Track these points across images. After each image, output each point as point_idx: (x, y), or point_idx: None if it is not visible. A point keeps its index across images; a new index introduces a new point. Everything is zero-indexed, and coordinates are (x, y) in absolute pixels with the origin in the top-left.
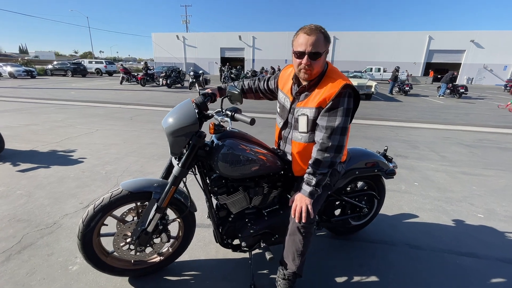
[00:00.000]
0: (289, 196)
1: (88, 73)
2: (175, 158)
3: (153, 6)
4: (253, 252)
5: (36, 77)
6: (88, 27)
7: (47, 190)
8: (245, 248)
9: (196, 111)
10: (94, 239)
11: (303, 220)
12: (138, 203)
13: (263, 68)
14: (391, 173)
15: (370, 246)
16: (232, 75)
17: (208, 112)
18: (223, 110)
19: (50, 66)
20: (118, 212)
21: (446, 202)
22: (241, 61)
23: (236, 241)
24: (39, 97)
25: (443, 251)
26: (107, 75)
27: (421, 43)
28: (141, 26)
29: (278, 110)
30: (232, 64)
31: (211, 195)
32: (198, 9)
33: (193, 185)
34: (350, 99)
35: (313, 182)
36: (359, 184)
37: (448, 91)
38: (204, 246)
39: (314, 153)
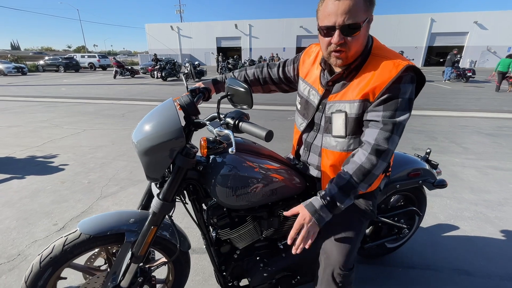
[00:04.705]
0: None
1: (81, 68)
2: (156, 184)
3: None
4: None
5: (27, 73)
6: (79, 20)
7: (16, 208)
8: None
9: (183, 116)
10: None
11: (303, 247)
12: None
13: (261, 57)
14: (440, 185)
15: (408, 274)
16: (229, 65)
17: (199, 118)
18: (222, 116)
19: (41, 62)
20: (82, 257)
21: (486, 207)
22: (238, 50)
23: (244, 281)
24: (28, 94)
25: (502, 278)
26: (100, 69)
27: (422, 26)
28: (134, 17)
29: (299, 106)
30: (228, 54)
31: (209, 227)
32: None
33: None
34: (412, 86)
35: (342, 203)
36: (393, 197)
37: (455, 75)
38: (204, 281)
39: (360, 158)
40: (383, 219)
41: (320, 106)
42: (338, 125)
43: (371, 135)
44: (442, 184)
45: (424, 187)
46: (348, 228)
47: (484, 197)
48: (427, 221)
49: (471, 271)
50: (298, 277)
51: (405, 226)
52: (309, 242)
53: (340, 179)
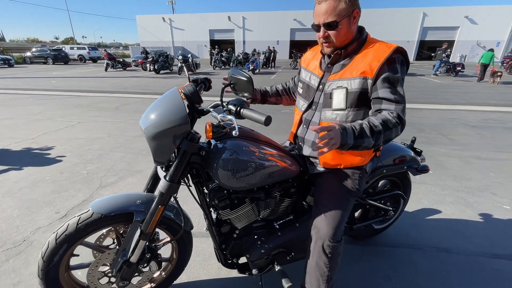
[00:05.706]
0: (305, 203)
1: (71, 60)
2: (162, 167)
3: None
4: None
5: (14, 65)
6: (67, 10)
7: (17, 197)
8: (255, 272)
9: (186, 104)
10: (61, 275)
11: (323, 149)
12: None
13: (254, 50)
14: (423, 170)
15: (394, 252)
16: (222, 58)
17: (202, 106)
18: (224, 104)
19: (28, 54)
20: (92, 237)
21: (467, 193)
22: (231, 43)
23: (243, 259)
24: (17, 87)
25: (477, 254)
26: (91, 61)
27: (415, 20)
28: (125, 8)
29: (301, 91)
30: (222, 46)
31: (210, 209)
32: None
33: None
34: (403, 68)
35: (364, 139)
36: (381, 182)
37: (444, 69)
38: (204, 261)
39: (387, 116)
40: (371, 201)
41: (320, 86)
42: (339, 99)
43: (389, 108)
44: (425, 169)
45: (409, 172)
46: (337, 205)
47: (466, 184)
48: (412, 206)
49: (449, 249)
50: (293, 253)
51: (391, 208)
52: (326, 148)
53: (372, 121)
